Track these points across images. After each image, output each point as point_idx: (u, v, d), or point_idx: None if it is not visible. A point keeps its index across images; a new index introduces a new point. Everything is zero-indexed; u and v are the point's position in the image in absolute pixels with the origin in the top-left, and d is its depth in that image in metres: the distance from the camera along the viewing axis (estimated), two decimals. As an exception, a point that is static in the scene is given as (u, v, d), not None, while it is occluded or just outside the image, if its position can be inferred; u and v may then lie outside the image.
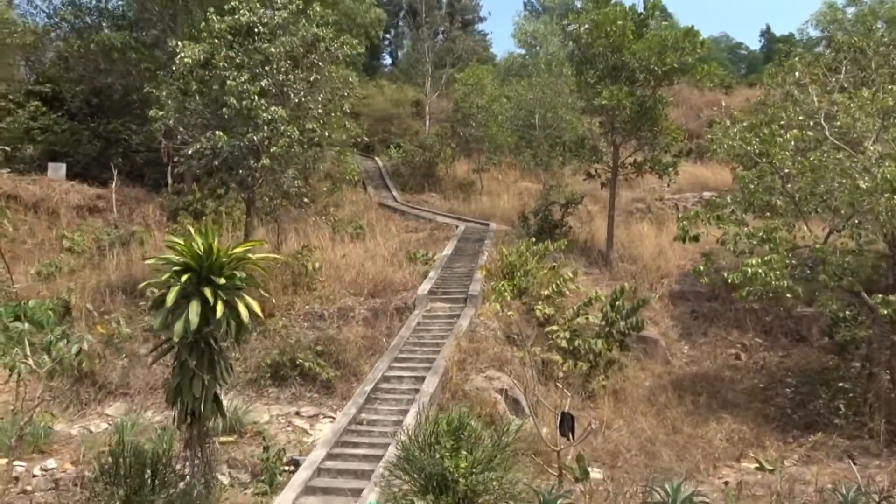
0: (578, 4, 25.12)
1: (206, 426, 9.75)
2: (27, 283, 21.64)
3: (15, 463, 13.81)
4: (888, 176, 14.23)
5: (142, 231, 25.25)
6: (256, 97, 17.81)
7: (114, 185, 27.81)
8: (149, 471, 9.11)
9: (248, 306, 9.05)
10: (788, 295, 16.23)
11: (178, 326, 8.68)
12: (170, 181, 28.31)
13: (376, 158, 41.26)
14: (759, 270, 15.65)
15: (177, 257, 9.02)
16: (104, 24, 31.73)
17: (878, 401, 15.96)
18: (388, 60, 66.46)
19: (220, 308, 8.61)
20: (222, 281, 8.78)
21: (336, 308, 19.39)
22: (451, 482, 9.47)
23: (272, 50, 18.69)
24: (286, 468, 12.89)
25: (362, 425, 13.98)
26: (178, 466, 9.95)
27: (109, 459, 9.19)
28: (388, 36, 67.06)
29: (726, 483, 11.18)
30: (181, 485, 9.32)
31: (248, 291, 9.69)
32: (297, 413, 15.78)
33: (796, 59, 17.91)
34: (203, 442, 9.88)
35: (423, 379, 15.25)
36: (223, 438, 14.49)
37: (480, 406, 14.79)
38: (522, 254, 20.44)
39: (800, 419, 16.65)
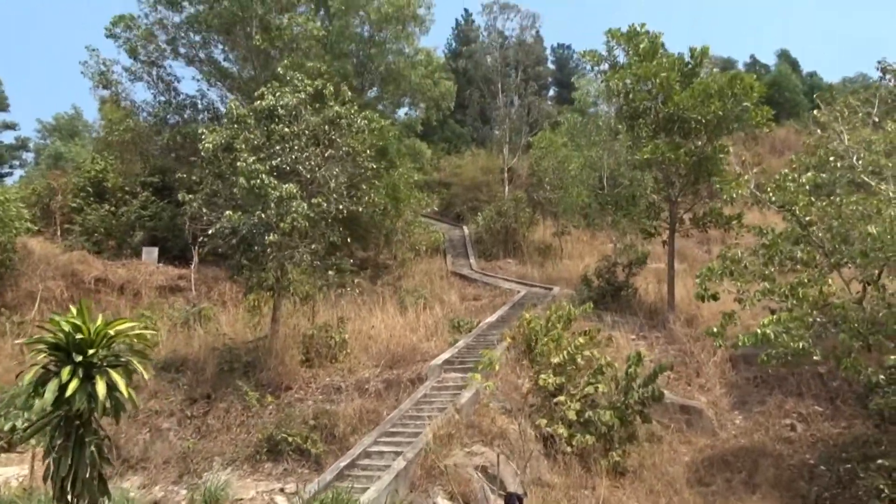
0: (621, 60, 24.14)
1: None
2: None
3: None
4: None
5: (208, 308, 26.61)
6: (265, 176, 18.47)
7: (193, 266, 29.78)
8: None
9: (111, 384, 9.13)
10: (816, 358, 14.32)
11: (37, 405, 8.92)
12: (196, 260, 29.86)
13: (464, 227, 41.32)
14: (770, 331, 13.95)
15: (49, 337, 9.31)
16: (197, 118, 34.56)
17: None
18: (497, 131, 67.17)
19: (72, 386, 8.74)
20: (79, 358, 8.95)
21: (354, 380, 19.27)
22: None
23: (286, 130, 19.44)
24: (231, 547, 12.74)
25: None
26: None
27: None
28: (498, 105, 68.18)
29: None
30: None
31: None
32: (282, 490, 15.60)
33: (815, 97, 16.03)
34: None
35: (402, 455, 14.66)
36: (197, 514, 14.63)
37: (455, 484, 13.99)
38: (549, 319, 19.41)
39: (844, 502, 14.35)
